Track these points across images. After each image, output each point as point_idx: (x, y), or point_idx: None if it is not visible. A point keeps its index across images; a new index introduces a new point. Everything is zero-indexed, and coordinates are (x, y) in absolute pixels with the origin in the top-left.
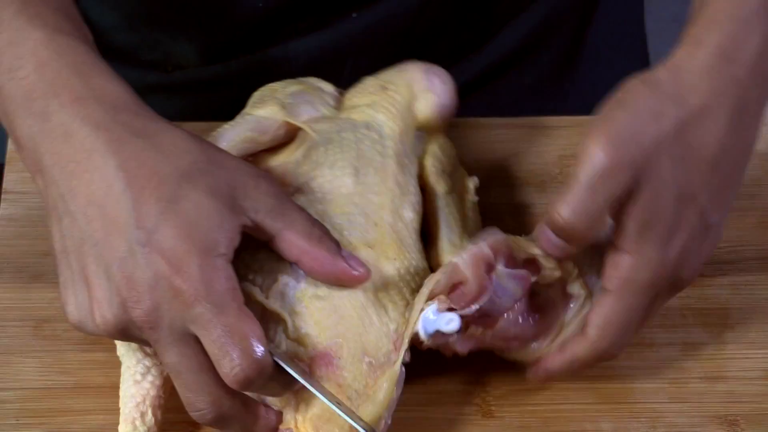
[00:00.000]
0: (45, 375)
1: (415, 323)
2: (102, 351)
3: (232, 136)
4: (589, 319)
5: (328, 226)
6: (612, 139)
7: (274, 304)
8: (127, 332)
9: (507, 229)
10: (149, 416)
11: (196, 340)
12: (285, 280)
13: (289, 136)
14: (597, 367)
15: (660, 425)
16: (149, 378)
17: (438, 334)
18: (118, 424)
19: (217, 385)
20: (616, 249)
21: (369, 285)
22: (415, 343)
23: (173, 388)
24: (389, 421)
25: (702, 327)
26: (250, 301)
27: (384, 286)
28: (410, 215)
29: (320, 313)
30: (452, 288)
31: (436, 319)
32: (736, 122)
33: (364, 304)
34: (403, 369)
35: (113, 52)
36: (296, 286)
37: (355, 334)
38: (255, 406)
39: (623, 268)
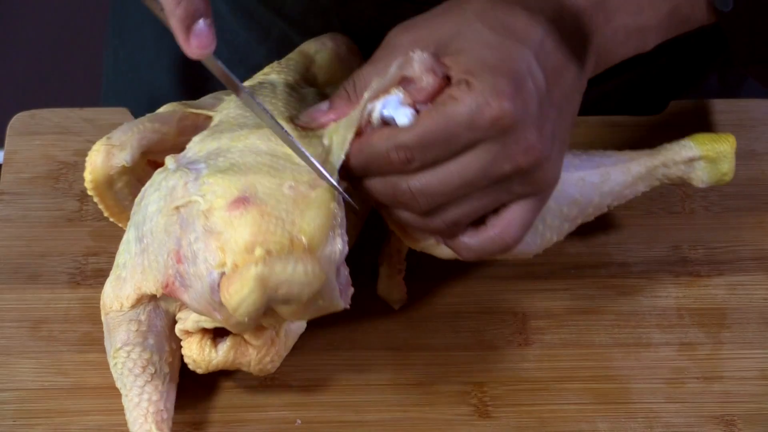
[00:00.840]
0: (42, 376)
1: (366, 106)
2: (99, 352)
3: (131, 126)
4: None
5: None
6: None
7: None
8: None
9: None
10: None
11: None
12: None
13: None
14: (593, 368)
15: (657, 425)
16: (145, 397)
17: (386, 121)
18: (115, 424)
19: None
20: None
21: (268, 135)
22: (346, 167)
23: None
24: (343, 248)
25: (699, 327)
26: None
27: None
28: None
29: (225, 177)
30: (402, 82)
31: (396, 108)
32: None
33: (265, 151)
34: (341, 192)
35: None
36: (199, 171)
37: (264, 173)
38: None
39: (459, 89)
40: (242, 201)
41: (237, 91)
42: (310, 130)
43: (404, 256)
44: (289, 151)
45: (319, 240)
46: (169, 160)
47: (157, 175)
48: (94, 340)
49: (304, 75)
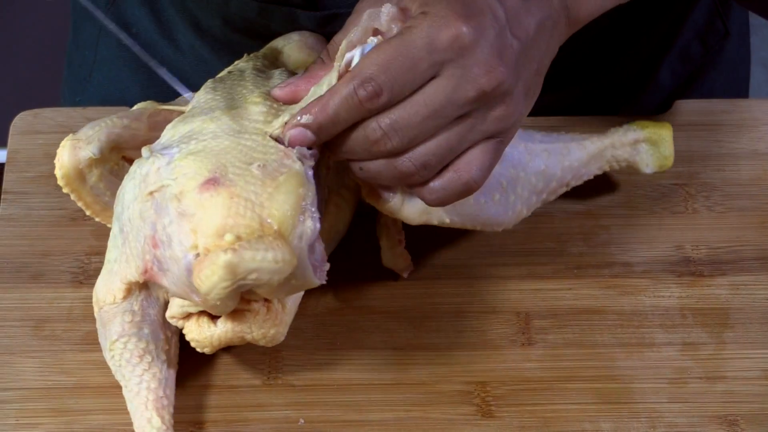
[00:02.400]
0: (45, 375)
1: (344, 57)
2: (101, 351)
3: (99, 122)
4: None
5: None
6: None
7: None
8: None
9: (507, 231)
10: (155, 419)
11: None
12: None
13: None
14: (596, 368)
15: (659, 425)
16: (144, 385)
17: None
18: (118, 423)
19: None
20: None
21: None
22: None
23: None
24: (314, 226)
25: (702, 327)
26: None
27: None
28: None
29: (196, 159)
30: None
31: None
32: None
33: (236, 130)
34: (310, 169)
35: None
36: (172, 155)
37: (234, 154)
38: None
39: (417, 19)
40: (212, 182)
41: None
42: (288, 103)
43: (401, 226)
44: (262, 128)
45: (289, 224)
46: (144, 150)
47: (134, 166)
48: (96, 340)
49: (273, 63)
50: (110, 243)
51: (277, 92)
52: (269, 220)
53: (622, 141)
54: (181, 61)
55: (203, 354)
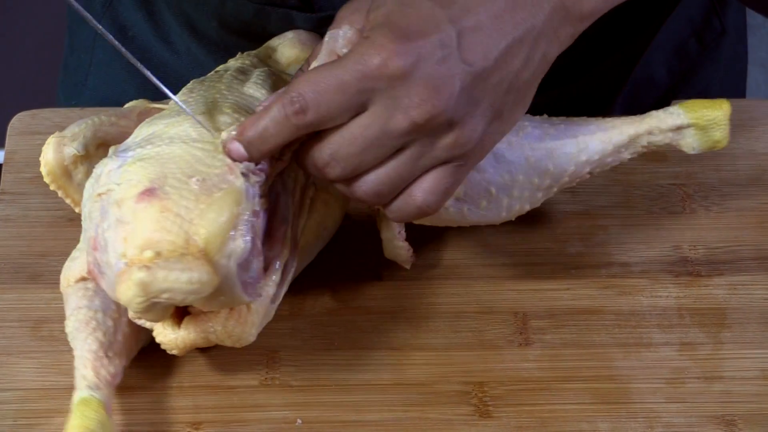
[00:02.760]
0: (43, 376)
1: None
2: None
3: (86, 120)
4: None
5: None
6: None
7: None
8: None
9: (505, 231)
10: (89, 374)
11: None
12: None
13: None
14: (594, 368)
15: (657, 425)
16: (86, 347)
17: None
18: (116, 424)
19: None
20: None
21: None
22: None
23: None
24: (245, 246)
25: (699, 327)
26: None
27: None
28: (253, 92)
29: (142, 166)
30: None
31: None
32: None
33: (192, 138)
34: (249, 184)
35: None
36: (125, 159)
37: (179, 164)
38: None
39: (357, 43)
40: (148, 193)
41: (122, 52)
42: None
43: None
44: (218, 139)
45: (216, 243)
46: (111, 149)
47: (99, 165)
48: None
49: (265, 61)
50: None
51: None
52: (195, 238)
53: (662, 128)
54: (177, 64)
55: (199, 355)
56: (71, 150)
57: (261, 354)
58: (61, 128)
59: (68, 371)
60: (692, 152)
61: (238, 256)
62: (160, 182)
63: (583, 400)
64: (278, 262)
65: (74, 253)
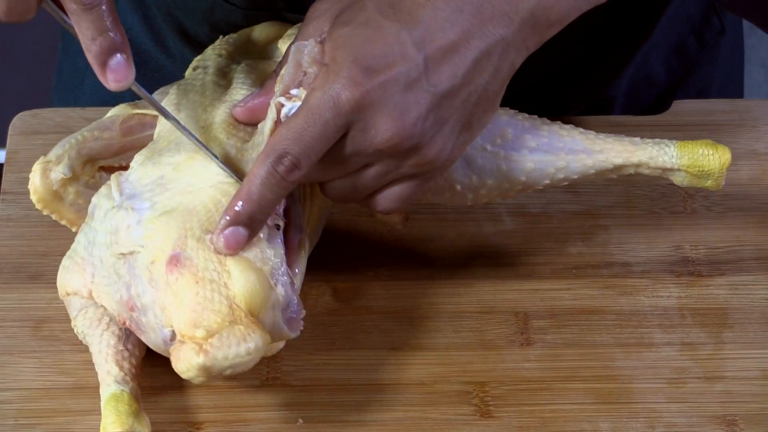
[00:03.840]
0: (44, 375)
1: (278, 102)
2: None
3: (69, 139)
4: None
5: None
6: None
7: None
8: None
9: (506, 231)
10: (114, 369)
11: None
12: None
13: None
14: (595, 368)
15: (658, 425)
16: (104, 343)
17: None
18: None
19: None
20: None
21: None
22: None
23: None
24: (286, 291)
25: (700, 327)
26: None
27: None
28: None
29: (163, 225)
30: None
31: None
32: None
33: (212, 183)
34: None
35: None
36: (142, 212)
37: (201, 217)
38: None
39: (319, 77)
40: (175, 261)
41: (164, 115)
42: (251, 124)
43: None
44: (228, 179)
45: (258, 301)
46: (114, 185)
47: (104, 200)
48: None
49: (244, 47)
50: (78, 237)
51: (237, 113)
52: (237, 303)
53: (652, 165)
54: (172, 68)
55: None
56: (58, 174)
57: None
58: (63, 128)
59: (70, 371)
60: (683, 185)
61: (281, 304)
62: (181, 245)
63: (585, 400)
64: (297, 269)
65: (65, 262)
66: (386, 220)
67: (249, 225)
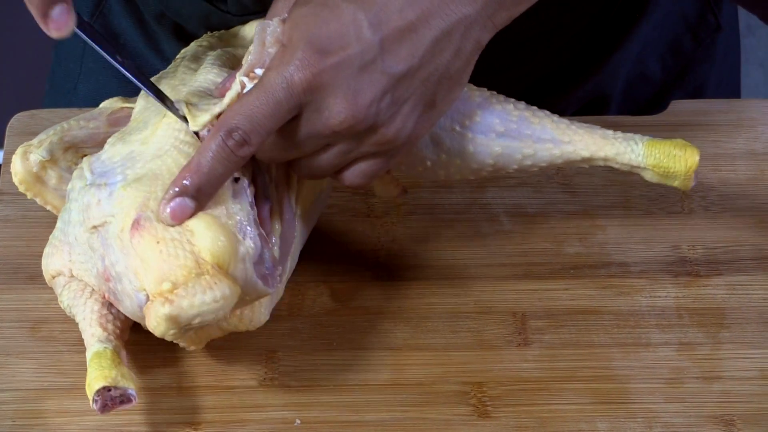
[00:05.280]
0: (41, 376)
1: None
2: None
3: (55, 126)
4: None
5: None
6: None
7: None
8: None
9: (503, 231)
10: (98, 330)
11: None
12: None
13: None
14: (593, 368)
15: (656, 425)
16: (88, 310)
17: None
18: (114, 425)
19: None
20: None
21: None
22: None
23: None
24: (256, 243)
25: (698, 327)
26: None
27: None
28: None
29: (130, 195)
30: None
31: None
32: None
33: (175, 145)
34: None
35: None
36: (114, 185)
37: (165, 180)
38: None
39: (276, 57)
40: (137, 225)
41: (114, 61)
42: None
43: None
44: (189, 138)
45: (224, 255)
46: (86, 166)
47: (77, 180)
48: None
49: (228, 40)
50: (59, 223)
51: (216, 94)
52: (203, 257)
53: (619, 161)
54: None
55: (198, 355)
56: (37, 156)
57: (260, 354)
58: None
59: (67, 371)
60: (651, 181)
61: (252, 256)
62: (143, 209)
63: (582, 400)
64: (274, 238)
65: (46, 249)
66: (384, 194)
67: (196, 197)
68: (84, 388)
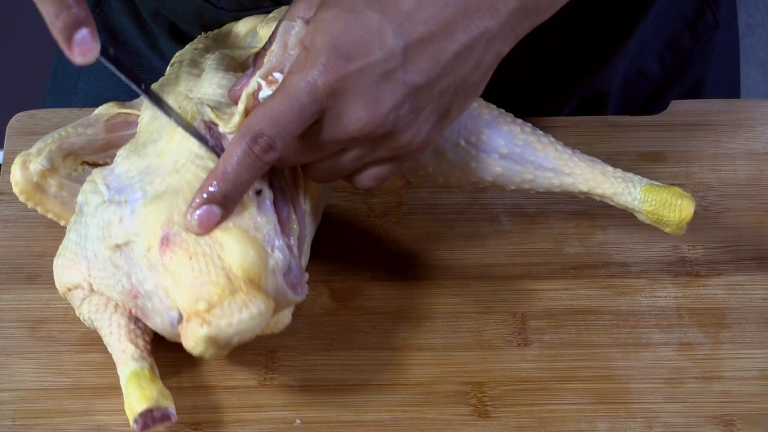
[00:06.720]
0: (41, 376)
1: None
2: (98, 352)
3: (52, 134)
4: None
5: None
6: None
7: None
8: None
9: (503, 231)
10: (129, 347)
11: None
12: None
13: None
14: (593, 368)
15: (656, 425)
16: (114, 324)
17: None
18: (115, 424)
19: None
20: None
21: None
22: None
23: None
24: (284, 254)
25: (698, 327)
26: None
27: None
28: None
29: (153, 212)
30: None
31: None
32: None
33: (191, 158)
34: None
35: None
36: (135, 203)
37: (187, 195)
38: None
39: (299, 61)
40: (166, 242)
41: (137, 87)
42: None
43: None
44: (204, 153)
45: (256, 268)
46: (99, 180)
47: (92, 195)
48: (93, 340)
49: (223, 40)
50: (70, 233)
51: (233, 95)
52: (234, 272)
53: (615, 201)
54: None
55: None
56: (37, 166)
57: (260, 354)
58: (59, 128)
59: (67, 372)
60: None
61: (281, 267)
62: (168, 225)
63: (582, 400)
64: (293, 239)
65: (58, 260)
66: (389, 186)
67: (223, 204)
68: (83, 389)
